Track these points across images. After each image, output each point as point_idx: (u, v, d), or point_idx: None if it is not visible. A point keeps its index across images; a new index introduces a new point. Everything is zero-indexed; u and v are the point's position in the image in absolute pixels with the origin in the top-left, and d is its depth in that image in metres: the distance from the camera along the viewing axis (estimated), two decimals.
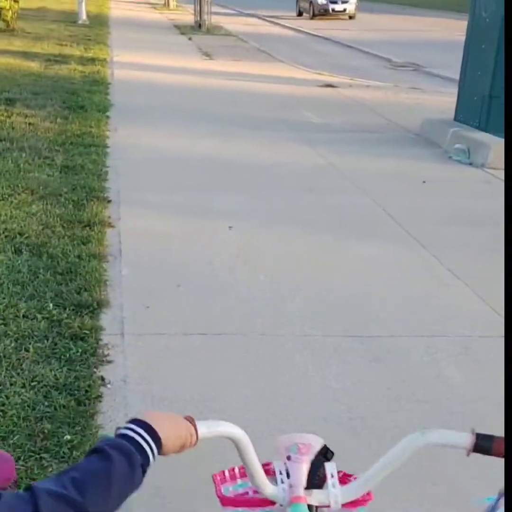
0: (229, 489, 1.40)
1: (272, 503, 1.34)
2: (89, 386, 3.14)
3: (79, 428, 2.85)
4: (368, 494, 1.34)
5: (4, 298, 3.85)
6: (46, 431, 2.81)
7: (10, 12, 17.77)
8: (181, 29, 22.99)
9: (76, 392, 3.08)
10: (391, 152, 8.09)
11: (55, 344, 3.45)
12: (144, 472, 1.09)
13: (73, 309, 3.82)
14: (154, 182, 6.56)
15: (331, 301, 4.26)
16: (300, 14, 32.28)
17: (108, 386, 3.21)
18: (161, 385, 3.27)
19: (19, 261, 4.33)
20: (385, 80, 14.18)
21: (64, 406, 2.97)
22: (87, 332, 3.59)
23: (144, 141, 8.02)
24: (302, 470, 1.30)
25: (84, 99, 9.86)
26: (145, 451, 1.10)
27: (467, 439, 1.22)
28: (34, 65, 13.01)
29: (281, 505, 1.32)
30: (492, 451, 1.22)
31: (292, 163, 7.44)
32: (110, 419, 2.97)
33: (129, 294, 4.19)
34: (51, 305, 3.83)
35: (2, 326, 3.58)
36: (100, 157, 7.04)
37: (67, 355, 3.36)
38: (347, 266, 4.81)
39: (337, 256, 4.98)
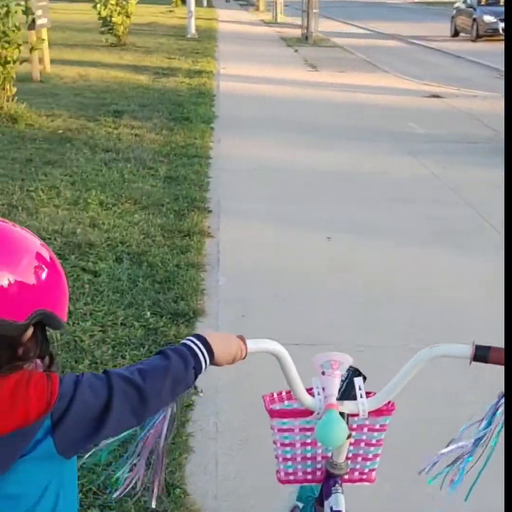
0: (276, 408, 1.66)
1: (312, 413, 1.58)
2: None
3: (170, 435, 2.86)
4: (391, 405, 1.58)
5: (103, 305, 3.95)
6: None
7: (122, 27, 18.42)
8: (288, 41, 23.13)
9: None
10: (498, 163, 7.78)
11: (151, 352, 3.49)
12: (196, 374, 1.37)
13: (169, 318, 3.86)
14: (254, 192, 6.60)
15: (432, 311, 4.14)
16: (456, 34, 25.19)
17: (200, 394, 3.22)
18: (252, 392, 3.25)
19: (120, 270, 4.43)
20: (493, 90, 13.73)
21: None
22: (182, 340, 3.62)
23: (246, 152, 8.09)
24: (334, 383, 1.52)
25: (190, 111, 10.06)
26: (198, 358, 1.37)
27: (468, 350, 1.44)
28: (143, 78, 13.41)
29: (317, 414, 1.55)
30: (489, 359, 1.43)
31: (393, 173, 7.31)
32: (200, 428, 2.98)
33: (225, 303, 4.21)
34: (148, 313, 3.89)
35: (101, 333, 3.67)
36: (202, 168, 7.14)
37: None
38: (448, 278, 4.66)
39: (437, 267, 4.84)
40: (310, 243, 5.29)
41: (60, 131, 8.30)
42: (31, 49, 9.27)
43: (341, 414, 1.50)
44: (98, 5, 17.96)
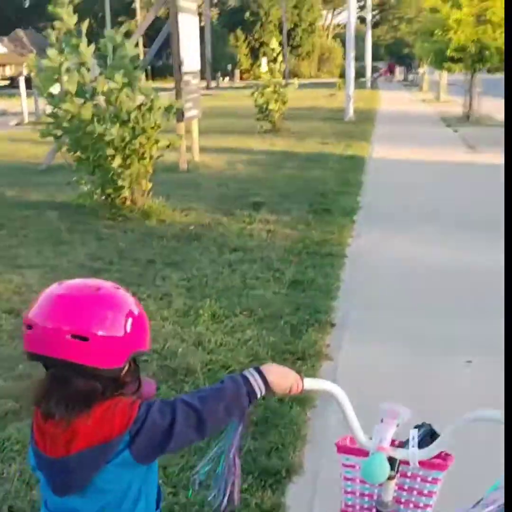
0: (343, 444, 1.86)
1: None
2: None
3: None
4: (444, 462, 1.73)
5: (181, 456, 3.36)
6: None
7: (278, 113, 18.52)
8: (448, 121, 22.31)
9: None
10: None
11: None
12: (250, 400, 1.63)
13: (257, 476, 3.19)
14: (390, 300, 5.84)
15: None
16: None
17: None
18: None
19: None
20: None
21: None
22: None
23: (387, 250, 7.37)
24: (388, 429, 1.72)
25: (332, 202, 9.54)
26: (252, 385, 1.64)
27: (502, 415, 1.60)
28: (291, 165, 13.15)
29: (371, 454, 1.72)
30: None
31: None
32: None
33: (332, 457, 3.47)
34: None
35: (171, 495, 3.07)
36: (334, 270, 6.50)
37: None
38: None
39: None
40: (446, 368, 4.44)
41: (191, 227, 8.04)
42: (173, 142, 9.17)
43: (393, 459, 1.69)
44: (255, 94, 18.22)
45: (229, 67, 74.84)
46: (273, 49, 18.01)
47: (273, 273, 6.34)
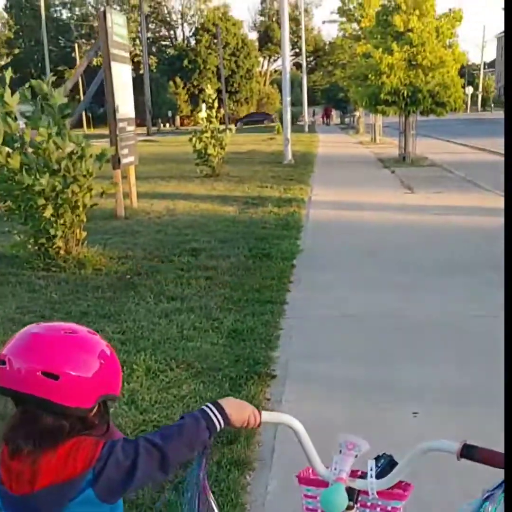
0: (304, 475, 1.88)
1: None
2: None
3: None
4: (403, 492, 1.75)
5: None
6: None
7: (217, 158, 18.48)
8: (385, 162, 22.67)
9: None
10: None
11: None
12: (210, 433, 1.69)
13: None
14: (331, 347, 5.68)
15: None
16: None
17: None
18: None
19: None
20: None
21: None
22: None
23: (327, 294, 7.24)
24: (347, 461, 1.76)
25: (272, 246, 9.42)
26: (211, 418, 1.69)
27: (457, 447, 1.63)
28: (231, 209, 13.05)
29: (330, 485, 1.75)
30: (475, 457, 1.61)
31: (498, 318, 6.20)
32: None
33: None
34: None
35: None
36: (274, 317, 6.32)
37: None
38: None
39: None
40: (391, 421, 4.27)
41: (128, 276, 7.79)
42: (106, 190, 8.95)
43: (352, 489, 1.73)
44: (194, 139, 18.18)
45: (170, 113, 75.24)
46: (209, 95, 18.05)
47: (211, 322, 6.12)
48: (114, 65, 11.63)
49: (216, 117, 18.69)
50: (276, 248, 9.27)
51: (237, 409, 1.75)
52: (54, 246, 8.39)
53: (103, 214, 12.44)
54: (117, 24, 12.12)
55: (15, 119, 7.78)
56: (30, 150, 8.06)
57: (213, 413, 1.70)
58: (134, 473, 1.59)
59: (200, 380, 4.81)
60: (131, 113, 12.62)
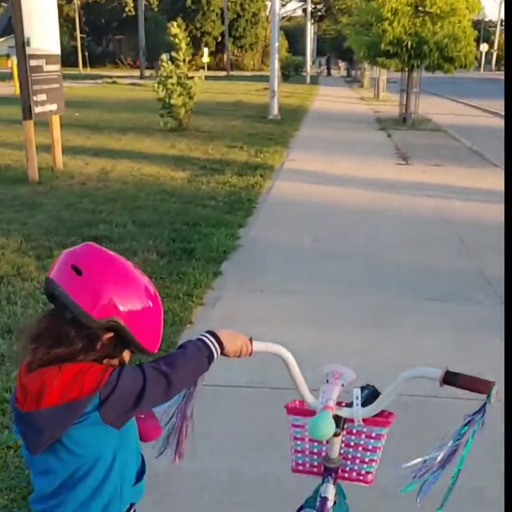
0: (292, 406, 1.96)
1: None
2: None
3: None
4: (387, 419, 1.83)
5: None
6: None
7: (183, 109, 15.89)
8: (383, 123, 20.04)
9: None
10: None
11: None
12: (209, 361, 1.72)
13: None
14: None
15: None
16: None
17: None
18: None
19: None
20: None
21: None
22: None
23: (257, 326, 4.86)
24: (334, 389, 1.81)
25: (202, 237, 7.00)
26: (210, 348, 1.72)
27: (439, 373, 1.66)
28: (179, 176, 10.60)
29: (317, 413, 1.78)
30: (457, 383, 1.64)
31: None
32: None
33: None
34: None
35: None
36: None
37: None
38: None
39: None
40: None
41: None
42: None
43: (338, 417, 1.79)
44: (156, 85, 15.62)
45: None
46: (176, 35, 15.36)
47: None
48: None
49: (190, 62, 16.06)
50: (205, 241, 6.85)
51: (231, 339, 1.78)
52: None
53: (15, 176, 10.01)
54: None
55: None
56: None
57: (211, 342, 1.73)
58: (140, 399, 1.59)
59: None
60: (54, 49, 10.01)
